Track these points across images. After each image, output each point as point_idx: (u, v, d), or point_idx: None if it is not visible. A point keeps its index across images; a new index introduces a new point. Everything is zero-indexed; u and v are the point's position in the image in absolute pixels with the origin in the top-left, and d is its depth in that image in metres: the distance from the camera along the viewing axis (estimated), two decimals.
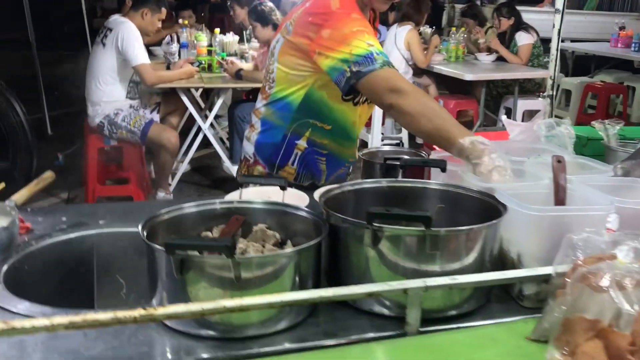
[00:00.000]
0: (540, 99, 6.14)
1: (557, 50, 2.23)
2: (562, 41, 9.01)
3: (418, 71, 6.20)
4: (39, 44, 6.85)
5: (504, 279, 1.22)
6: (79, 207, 2.16)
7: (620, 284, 1.03)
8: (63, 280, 1.64)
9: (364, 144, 6.06)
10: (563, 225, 1.27)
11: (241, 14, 5.88)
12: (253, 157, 2.05)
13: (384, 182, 1.53)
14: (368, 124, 6.21)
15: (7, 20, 7.66)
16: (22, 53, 7.20)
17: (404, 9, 6.18)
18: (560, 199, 1.42)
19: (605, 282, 1.03)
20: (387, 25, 6.35)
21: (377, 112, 5.95)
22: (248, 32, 6.02)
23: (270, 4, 4.93)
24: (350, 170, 2.23)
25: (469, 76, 5.68)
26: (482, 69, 6.11)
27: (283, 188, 1.54)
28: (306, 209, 1.41)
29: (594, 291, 1.07)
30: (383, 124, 6.19)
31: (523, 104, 5.89)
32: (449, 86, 6.72)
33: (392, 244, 1.22)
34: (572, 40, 9.26)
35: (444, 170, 1.61)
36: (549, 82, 2.28)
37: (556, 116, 6.57)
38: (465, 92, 6.36)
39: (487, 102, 6.36)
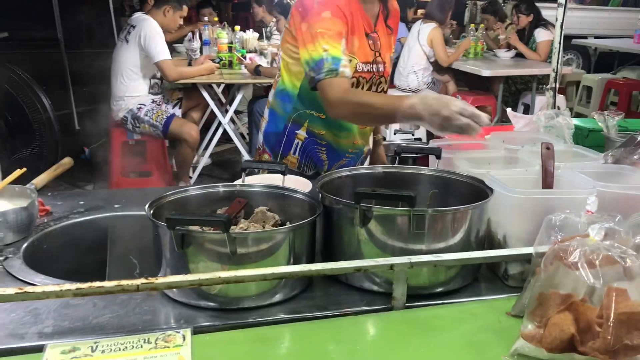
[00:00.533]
0: (559, 95, 6.14)
1: (559, 44, 2.26)
2: (585, 37, 9.01)
3: (438, 67, 6.23)
4: (67, 42, 7.05)
5: (484, 258, 1.29)
6: (97, 192, 2.27)
7: (590, 260, 1.09)
8: (79, 259, 1.74)
9: (382, 138, 6.12)
10: (547, 208, 1.33)
11: (260, 12, 5.99)
12: (262, 146, 2.15)
13: (378, 168, 1.60)
14: None
15: (37, 19, 7.88)
16: (51, 51, 7.41)
17: (427, 7, 6.23)
18: (548, 183, 1.48)
19: (575, 258, 1.09)
20: (406, 22, 6.38)
21: None
22: (268, 29, 6.12)
23: None
24: (358, 163, 2.24)
25: (486, 72, 5.69)
26: (501, 65, 6.11)
27: (283, 173, 1.62)
28: (303, 192, 1.49)
29: (568, 268, 1.13)
30: None
31: (541, 100, 5.87)
32: (468, 82, 6.73)
33: (380, 223, 1.30)
34: (596, 37, 9.19)
35: (438, 157, 1.68)
36: (552, 75, 2.32)
37: (577, 112, 6.54)
38: (484, 88, 6.37)
39: (506, 98, 6.36)
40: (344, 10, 1.87)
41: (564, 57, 8.84)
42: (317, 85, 1.81)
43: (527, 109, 6.04)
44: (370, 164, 2.17)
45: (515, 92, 6.38)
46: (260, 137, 2.17)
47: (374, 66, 2.01)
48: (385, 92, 2.12)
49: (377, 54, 2.01)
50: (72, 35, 7.57)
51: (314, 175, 2.02)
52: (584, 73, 7.86)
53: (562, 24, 2.23)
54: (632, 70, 7.74)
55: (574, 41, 8.77)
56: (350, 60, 1.91)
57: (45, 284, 1.35)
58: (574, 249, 1.10)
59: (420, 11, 6.48)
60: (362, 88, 2.01)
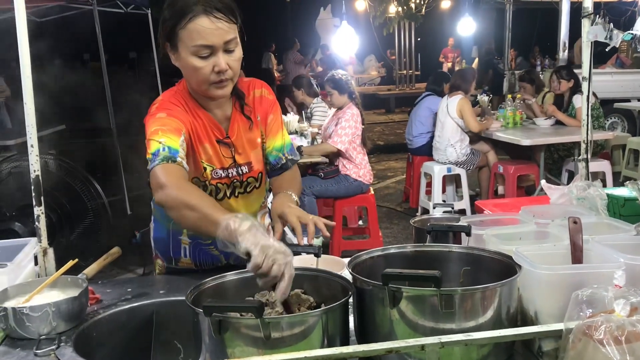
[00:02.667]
0: (602, 160, 6.08)
1: (587, 116, 2.30)
2: (628, 100, 8.94)
3: (475, 138, 6.29)
4: (119, 131, 7.45)
5: (514, 335, 1.30)
6: (143, 279, 2.37)
7: (615, 337, 1.10)
8: (126, 345, 1.82)
9: (426, 211, 6.14)
10: (575, 283, 1.34)
11: (299, 95, 6.24)
12: (154, 251, 2.17)
13: (409, 247, 1.65)
14: (428, 192, 6.32)
15: (91, 111, 8.37)
16: (104, 140, 7.83)
17: (451, 80, 6.37)
18: (577, 258, 1.49)
19: (601, 335, 1.10)
20: (443, 96, 6.52)
21: (437, 181, 6.07)
22: (308, 110, 6.35)
23: (346, 74, 5.25)
24: None
25: (526, 142, 5.71)
26: (540, 134, 6.12)
27: (317, 255, 1.68)
28: (336, 273, 1.54)
29: (599, 345, 1.14)
30: (444, 191, 6.28)
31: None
32: (510, 151, 6.74)
33: (410, 303, 1.33)
34: (639, 99, 9.13)
35: (468, 234, 1.71)
36: (582, 145, 2.35)
37: (625, 176, 6.44)
38: (526, 157, 6.37)
39: (549, 166, 6.33)
40: (182, 115, 1.84)
41: (607, 121, 8.82)
42: (151, 173, 1.72)
43: (572, 176, 5.99)
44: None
45: (558, 160, 6.35)
46: (152, 243, 2.18)
47: (233, 170, 1.96)
48: (258, 187, 2.04)
49: (234, 159, 1.95)
50: (123, 124, 8.01)
51: (215, 270, 1.79)
52: (629, 136, 7.78)
53: (587, 96, 2.27)
54: None
55: (617, 105, 8.73)
56: (205, 169, 1.90)
57: None
58: (600, 325, 1.11)
59: (446, 85, 6.63)
60: (224, 193, 1.97)
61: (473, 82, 6.27)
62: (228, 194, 1.98)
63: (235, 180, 1.98)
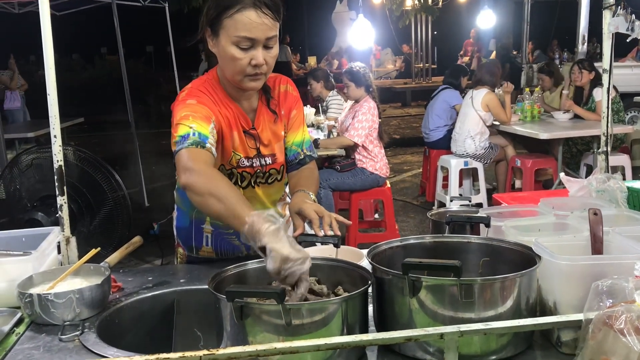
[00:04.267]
0: (622, 154, 6.03)
1: (607, 108, 2.29)
2: None
3: (493, 132, 6.27)
4: (137, 124, 7.52)
5: (533, 325, 1.30)
6: (164, 268, 2.40)
7: (636, 327, 1.10)
8: (148, 332, 1.85)
9: (442, 204, 6.13)
10: (595, 273, 1.34)
11: (317, 87, 6.25)
12: (177, 240, 2.19)
13: (428, 238, 1.65)
14: (445, 186, 6.31)
15: (110, 104, 8.47)
16: (123, 133, 7.91)
17: (478, 74, 6.34)
18: (597, 249, 1.50)
19: (621, 325, 1.10)
20: (460, 89, 6.50)
21: (454, 175, 6.05)
22: (325, 103, 6.35)
23: (364, 66, 5.25)
24: None
25: (544, 135, 5.67)
26: (559, 127, 6.08)
27: (336, 246, 1.70)
28: (355, 263, 1.56)
29: (617, 334, 1.15)
30: (461, 185, 6.26)
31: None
32: (527, 145, 6.70)
33: (429, 293, 1.35)
34: None
35: (487, 225, 1.72)
36: (602, 138, 2.34)
37: None
38: (544, 151, 6.32)
39: (567, 160, 6.29)
40: (211, 106, 1.86)
41: (627, 115, 8.72)
42: (177, 155, 1.72)
43: (590, 170, 5.94)
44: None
45: (576, 154, 6.30)
46: (175, 232, 2.20)
47: (257, 160, 1.99)
48: (280, 180, 2.07)
49: (258, 150, 1.99)
50: (141, 117, 8.08)
51: (235, 260, 1.72)
52: None
53: (608, 89, 2.26)
54: None
55: (637, 98, 8.62)
56: (233, 156, 1.93)
57: (116, 356, 1.45)
58: (620, 315, 1.11)
59: (464, 79, 6.60)
60: (248, 182, 2.00)
61: (500, 77, 6.25)
62: (252, 183, 2.02)
63: (258, 171, 2.01)
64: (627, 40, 2.37)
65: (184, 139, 1.74)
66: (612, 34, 2.31)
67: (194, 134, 1.74)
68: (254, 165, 2.00)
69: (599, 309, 1.24)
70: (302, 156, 2.10)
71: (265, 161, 2.02)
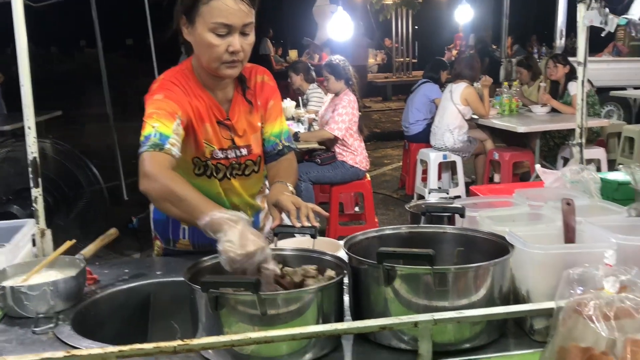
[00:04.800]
0: (598, 147, 6.11)
1: (582, 100, 2.32)
2: (624, 89, 8.95)
3: (472, 126, 6.31)
4: (116, 117, 7.44)
5: (505, 313, 1.32)
6: (140, 261, 2.39)
7: (604, 313, 1.12)
8: (124, 324, 1.84)
9: (422, 197, 6.16)
10: (567, 262, 1.36)
11: (297, 80, 6.24)
12: (154, 232, 2.18)
13: (403, 228, 1.67)
14: (424, 179, 6.35)
15: (88, 97, 8.38)
16: (101, 125, 7.82)
17: (457, 68, 6.38)
18: (569, 238, 1.52)
19: (590, 311, 1.12)
20: (440, 83, 6.53)
21: (433, 168, 6.09)
22: (305, 96, 6.35)
23: (344, 59, 5.24)
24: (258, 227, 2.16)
25: (521, 128, 5.73)
26: (536, 121, 6.15)
27: (313, 236, 1.71)
28: (331, 254, 1.56)
29: (589, 321, 1.16)
30: (440, 178, 6.31)
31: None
32: (506, 139, 6.76)
33: (404, 282, 1.36)
34: (635, 87, 9.14)
35: (462, 215, 1.73)
36: (577, 130, 2.37)
37: (620, 164, 6.48)
38: (522, 144, 6.39)
39: (545, 153, 6.36)
40: (181, 97, 1.86)
41: (603, 109, 8.84)
42: (139, 158, 1.75)
43: (567, 163, 6.01)
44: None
45: (553, 147, 6.37)
46: (152, 225, 2.19)
47: (232, 152, 1.99)
48: (257, 172, 2.07)
49: (232, 141, 1.98)
50: (120, 110, 7.99)
51: (212, 252, 1.68)
52: (625, 124, 7.80)
53: (582, 82, 2.29)
54: None
55: (613, 93, 8.74)
56: (206, 148, 1.93)
57: (91, 348, 1.44)
58: (589, 302, 1.13)
59: (444, 73, 6.64)
60: (224, 174, 2.00)
61: (479, 71, 6.30)
62: (228, 175, 2.01)
63: (233, 162, 2.01)
64: (602, 35, 2.40)
65: (146, 139, 1.76)
66: (587, 27, 2.34)
67: (154, 135, 1.76)
68: (229, 156, 1.99)
69: (570, 296, 1.25)
70: (281, 147, 2.09)
71: (240, 152, 2.01)
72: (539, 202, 1.80)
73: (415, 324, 1.28)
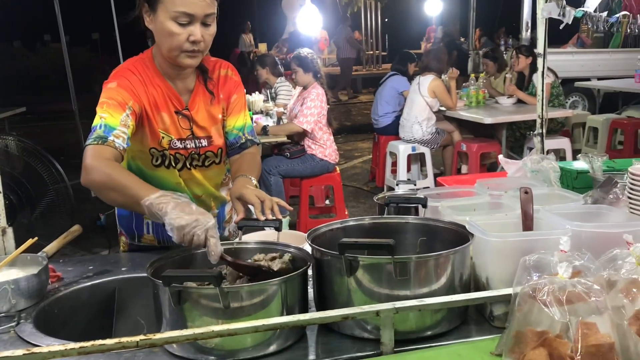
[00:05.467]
0: (563, 137, 6.23)
1: (542, 92, 2.37)
2: (589, 79, 9.13)
3: (440, 118, 6.38)
4: (82, 112, 7.33)
5: (465, 300, 1.35)
6: (105, 257, 2.37)
7: (557, 298, 1.15)
8: (89, 322, 1.82)
9: (392, 189, 6.21)
10: (525, 249, 1.39)
11: (263, 73, 6.23)
12: (119, 228, 2.18)
13: (367, 219, 1.68)
14: (394, 171, 6.40)
15: (53, 93, 8.23)
16: (66, 122, 7.70)
17: (424, 60, 6.44)
18: (527, 226, 1.55)
19: (544, 296, 1.15)
20: (408, 76, 6.58)
21: (402, 160, 6.14)
22: (273, 90, 6.34)
23: (312, 52, 5.25)
24: (223, 221, 2.18)
25: (488, 120, 5.81)
26: (502, 112, 6.24)
27: (277, 229, 1.71)
28: (295, 246, 1.57)
29: (543, 305, 1.20)
30: (409, 170, 6.36)
31: (546, 144, 5.94)
32: (473, 130, 6.84)
33: (366, 272, 1.37)
34: (599, 79, 9.33)
35: (424, 206, 1.76)
36: (538, 121, 2.42)
37: (584, 153, 6.57)
38: (489, 135, 6.48)
39: (511, 144, 6.46)
40: (136, 85, 1.87)
41: (568, 100, 9.00)
42: (84, 152, 1.77)
43: None
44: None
45: (520, 137, 6.48)
46: (117, 220, 2.19)
47: (191, 142, 1.99)
48: (218, 163, 2.07)
49: (192, 132, 1.98)
50: (87, 106, 7.86)
51: (177, 247, 1.73)
52: (589, 115, 7.96)
53: (543, 72, 2.34)
54: (636, 109, 7.82)
55: (578, 84, 8.91)
56: (163, 137, 1.93)
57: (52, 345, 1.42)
58: (543, 287, 1.16)
59: (411, 65, 6.69)
60: (183, 164, 2.00)
61: (446, 63, 6.36)
62: (188, 165, 2.01)
63: (193, 152, 2.00)
64: (560, 27, 2.45)
65: (92, 130, 1.80)
66: (547, 19, 2.39)
67: (100, 127, 1.79)
68: (188, 147, 1.99)
69: (526, 282, 1.29)
70: (244, 140, 2.09)
71: (200, 143, 2.01)
72: (499, 192, 1.83)
73: (377, 313, 1.30)
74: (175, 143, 1.96)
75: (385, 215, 1.75)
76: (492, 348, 1.31)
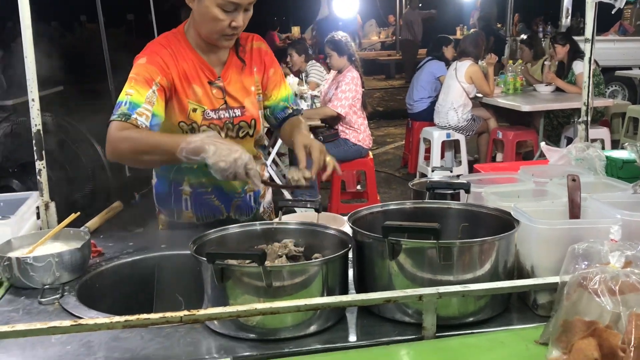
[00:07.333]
0: (602, 127, 6.09)
1: (589, 78, 2.30)
2: (630, 68, 8.88)
3: (476, 104, 6.29)
4: (117, 93, 7.41)
5: (510, 287, 1.33)
6: (144, 234, 2.39)
7: (610, 287, 1.12)
8: (128, 297, 1.85)
9: (424, 176, 6.16)
10: (572, 238, 1.36)
11: (298, 61, 6.20)
12: (157, 208, 2.20)
13: (408, 204, 1.67)
14: (427, 158, 6.34)
15: (90, 72, 8.32)
16: (103, 102, 7.79)
17: (462, 45, 6.33)
18: (574, 214, 1.52)
19: (595, 286, 1.13)
20: (445, 60, 6.48)
21: (436, 146, 6.08)
22: (304, 74, 6.31)
23: (346, 35, 5.20)
24: (259, 195, 2.20)
25: (526, 107, 5.70)
26: (540, 100, 6.11)
27: (317, 211, 1.71)
28: (336, 228, 1.56)
29: (591, 295, 1.17)
30: (443, 157, 6.29)
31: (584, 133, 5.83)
32: (509, 118, 6.74)
33: (408, 256, 1.36)
34: None
35: (467, 191, 1.73)
36: (583, 108, 2.35)
37: (623, 144, 6.43)
38: (526, 123, 6.37)
39: (548, 133, 6.33)
40: (167, 60, 1.89)
41: (608, 89, 8.78)
42: (108, 127, 1.81)
43: (571, 142, 5.99)
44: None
45: (557, 126, 6.34)
46: (155, 200, 2.20)
47: (225, 112, 1.99)
48: (252, 135, 2.06)
49: (225, 102, 1.99)
50: (122, 86, 7.93)
51: (216, 224, 1.89)
52: (629, 104, 7.75)
53: (590, 58, 2.27)
54: None
55: (618, 72, 8.68)
56: (196, 110, 1.94)
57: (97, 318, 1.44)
58: (594, 276, 1.13)
59: (447, 49, 6.57)
60: (218, 134, 1.94)
61: (483, 49, 6.25)
62: (223, 136, 2.00)
63: (227, 122, 2.01)
64: (612, 12, 2.37)
65: (117, 106, 1.83)
66: (595, 4, 2.32)
67: (125, 103, 1.81)
68: (222, 117, 2.00)
69: (574, 271, 1.26)
70: (291, 110, 2.14)
71: (234, 113, 2.02)
72: (544, 179, 1.79)
73: (420, 297, 1.29)
74: (208, 114, 1.98)
75: (426, 200, 1.73)
76: (536, 336, 1.29)
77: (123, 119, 1.79)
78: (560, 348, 1.15)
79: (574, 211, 1.52)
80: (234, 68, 2.02)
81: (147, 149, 1.77)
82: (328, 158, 1.85)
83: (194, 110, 1.95)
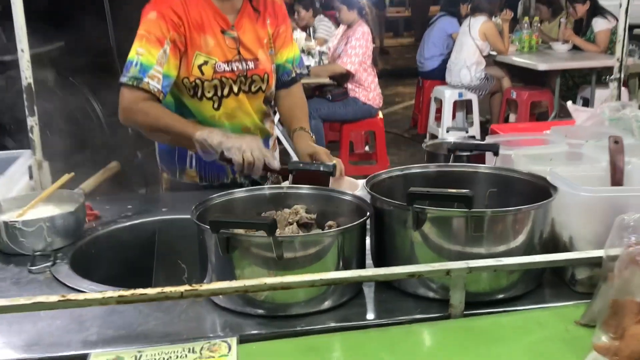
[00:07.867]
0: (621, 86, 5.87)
1: (624, 30, 2.13)
2: None
3: (490, 62, 6.07)
4: (118, 49, 7.20)
5: (550, 262, 1.19)
6: (145, 196, 2.27)
7: None
8: (127, 263, 1.73)
9: (434, 137, 6.00)
10: (617, 207, 1.22)
11: (306, 16, 5.96)
12: (160, 167, 2.09)
13: (432, 167, 1.52)
14: (438, 118, 6.16)
15: (90, 29, 8.09)
16: (105, 59, 7.59)
17: (475, 0, 6.07)
18: (617, 180, 1.37)
19: None
20: (459, 17, 6.23)
21: (448, 106, 5.89)
22: (311, 29, 6.09)
23: None
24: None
25: (542, 66, 5.49)
26: (557, 59, 5.88)
27: (331, 174, 1.56)
28: (352, 193, 1.42)
29: None
30: (454, 117, 6.11)
31: (601, 94, 5.61)
32: (524, 77, 6.50)
33: (435, 225, 1.22)
34: None
35: (496, 154, 1.58)
36: (616, 64, 2.18)
37: None
38: (540, 83, 6.15)
39: (563, 93, 6.10)
40: (178, 10, 1.79)
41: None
42: (120, 90, 1.78)
43: (587, 104, 5.78)
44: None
45: (572, 87, 6.12)
46: (157, 157, 2.11)
47: (238, 64, 1.88)
48: (264, 90, 1.96)
49: (238, 52, 1.88)
50: (123, 43, 7.72)
51: (220, 187, 1.87)
52: None
53: (627, 9, 2.08)
54: None
55: (636, 31, 8.38)
56: (207, 62, 1.83)
57: (91, 290, 1.32)
58: None
59: (464, 5, 6.29)
60: (230, 88, 1.88)
61: (497, 4, 6.00)
62: (235, 90, 1.90)
63: (240, 75, 1.90)
64: None
65: (128, 66, 1.77)
66: None
67: (136, 64, 1.75)
68: (235, 69, 1.88)
69: (621, 245, 1.12)
70: (294, 74, 2.05)
71: (247, 65, 1.90)
72: (579, 140, 1.64)
73: (448, 272, 1.16)
74: (220, 66, 1.86)
75: (451, 163, 1.58)
76: (577, 316, 1.17)
77: (134, 83, 1.74)
78: (610, 333, 1.02)
79: (617, 177, 1.37)
80: (247, 17, 1.90)
81: (161, 128, 1.78)
82: (334, 161, 1.74)
83: (205, 62, 1.82)
